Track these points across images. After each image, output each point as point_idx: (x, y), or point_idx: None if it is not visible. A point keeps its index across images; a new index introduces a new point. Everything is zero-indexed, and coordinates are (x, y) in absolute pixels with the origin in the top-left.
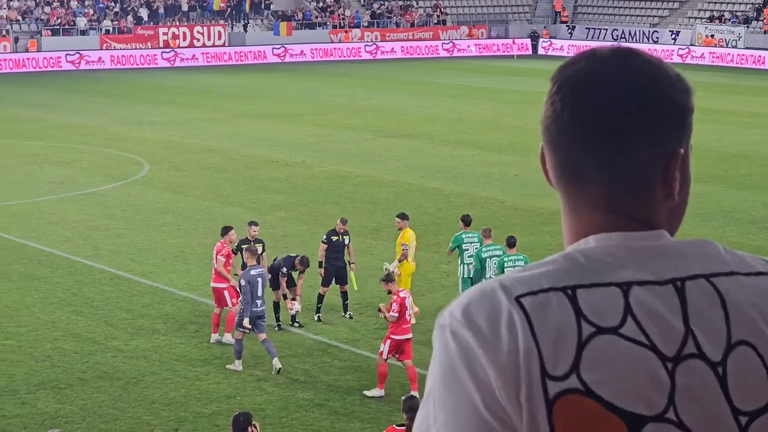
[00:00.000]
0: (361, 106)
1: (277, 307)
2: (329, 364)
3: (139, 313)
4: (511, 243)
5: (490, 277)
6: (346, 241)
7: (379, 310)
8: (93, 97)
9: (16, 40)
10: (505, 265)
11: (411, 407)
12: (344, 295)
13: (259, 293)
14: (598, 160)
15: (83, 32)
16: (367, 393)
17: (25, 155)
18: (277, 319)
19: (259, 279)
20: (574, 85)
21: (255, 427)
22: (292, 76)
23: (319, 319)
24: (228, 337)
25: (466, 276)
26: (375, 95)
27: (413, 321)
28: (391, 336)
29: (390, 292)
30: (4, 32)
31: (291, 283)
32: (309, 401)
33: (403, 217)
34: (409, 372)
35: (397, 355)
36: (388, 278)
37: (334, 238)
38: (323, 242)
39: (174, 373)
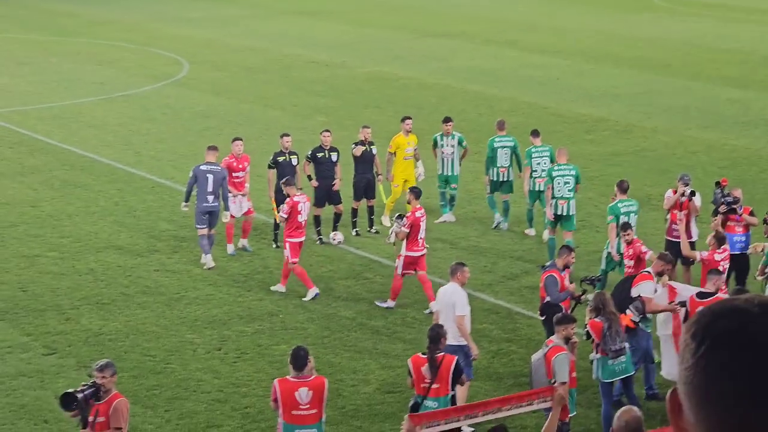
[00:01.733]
0: (400, 4)
1: (318, 220)
2: (371, 280)
3: (181, 224)
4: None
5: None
6: (374, 151)
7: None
8: None
9: None
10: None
11: (433, 337)
12: (371, 210)
13: (210, 188)
14: None
15: None
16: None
17: (67, 53)
18: (318, 233)
19: (209, 176)
20: (730, 345)
21: (311, 361)
22: None
23: (357, 234)
24: (243, 242)
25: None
26: None
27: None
28: (406, 253)
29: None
30: None
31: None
32: (351, 320)
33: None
34: (425, 284)
35: (413, 270)
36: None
37: (363, 149)
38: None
39: (216, 288)
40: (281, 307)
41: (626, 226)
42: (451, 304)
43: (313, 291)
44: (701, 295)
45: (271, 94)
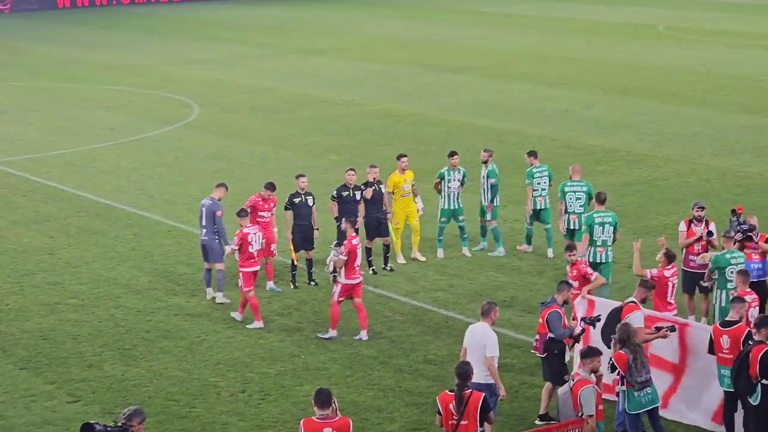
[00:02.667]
0: (406, 39)
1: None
2: (390, 318)
3: (198, 267)
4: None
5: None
6: (383, 190)
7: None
8: (140, 34)
9: None
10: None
11: (462, 374)
12: (386, 248)
13: (202, 221)
14: None
15: None
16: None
17: (76, 99)
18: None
19: (202, 209)
20: None
21: (335, 402)
22: (336, 7)
23: (374, 272)
24: (270, 285)
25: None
26: (419, 26)
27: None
28: (344, 281)
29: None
30: None
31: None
32: (373, 359)
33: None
34: (360, 312)
35: (350, 297)
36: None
37: (372, 189)
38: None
39: (237, 331)
40: (303, 347)
41: (570, 247)
42: (482, 345)
43: (259, 324)
44: (725, 324)
45: (282, 134)
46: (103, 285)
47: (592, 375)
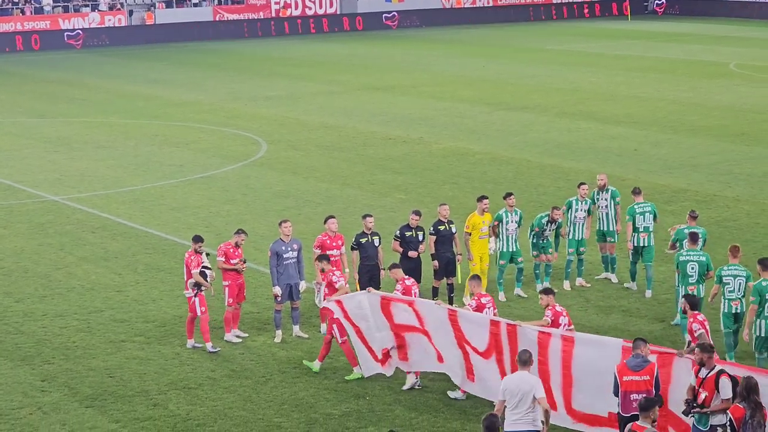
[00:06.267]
0: (474, 77)
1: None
2: None
3: (264, 305)
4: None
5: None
6: (453, 230)
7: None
8: (208, 71)
9: (131, 13)
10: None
11: (489, 426)
12: (450, 288)
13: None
14: None
15: (196, 4)
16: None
17: (145, 136)
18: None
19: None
20: None
21: None
22: (405, 44)
23: None
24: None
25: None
26: (488, 64)
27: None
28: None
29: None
30: (118, 5)
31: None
32: (438, 401)
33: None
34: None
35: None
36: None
37: (441, 228)
38: (431, 234)
39: (302, 370)
40: (368, 389)
41: (547, 290)
42: (525, 392)
43: (209, 345)
44: None
45: (348, 172)
46: (170, 323)
47: (652, 426)
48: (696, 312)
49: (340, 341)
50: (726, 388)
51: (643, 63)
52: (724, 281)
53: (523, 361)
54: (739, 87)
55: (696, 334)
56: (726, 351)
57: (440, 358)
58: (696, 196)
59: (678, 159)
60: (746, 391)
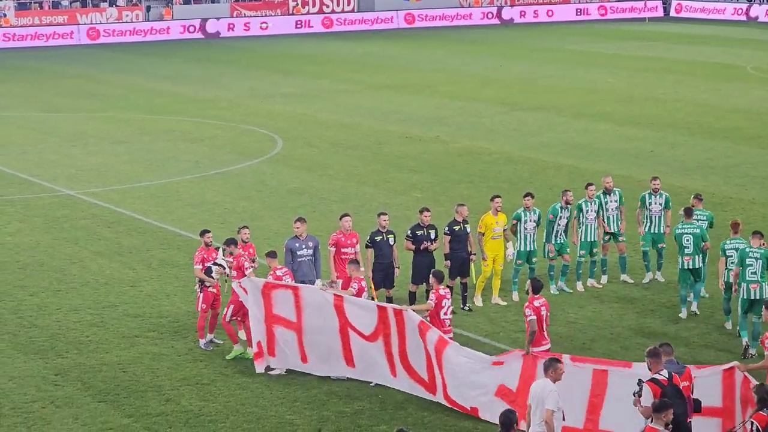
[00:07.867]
0: (491, 77)
1: (412, 297)
2: None
3: None
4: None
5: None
6: (468, 229)
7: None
8: (224, 68)
9: (148, 8)
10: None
11: (504, 422)
12: (464, 287)
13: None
14: None
15: (214, 0)
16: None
17: (160, 131)
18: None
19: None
20: None
21: None
22: (422, 43)
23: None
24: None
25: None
26: (504, 64)
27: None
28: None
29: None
30: (135, 1)
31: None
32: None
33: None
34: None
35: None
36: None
37: (456, 228)
38: (446, 233)
39: None
40: (380, 387)
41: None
42: (540, 399)
43: (202, 342)
44: None
45: (363, 170)
46: (183, 318)
47: (666, 429)
48: (536, 296)
49: (227, 320)
50: (647, 396)
51: (660, 64)
52: (727, 254)
53: (542, 367)
54: (755, 90)
55: (527, 320)
56: (725, 315)
57: (304, 359)
58: (712, 198)
59: (694, 161)
60: (766, 395)
